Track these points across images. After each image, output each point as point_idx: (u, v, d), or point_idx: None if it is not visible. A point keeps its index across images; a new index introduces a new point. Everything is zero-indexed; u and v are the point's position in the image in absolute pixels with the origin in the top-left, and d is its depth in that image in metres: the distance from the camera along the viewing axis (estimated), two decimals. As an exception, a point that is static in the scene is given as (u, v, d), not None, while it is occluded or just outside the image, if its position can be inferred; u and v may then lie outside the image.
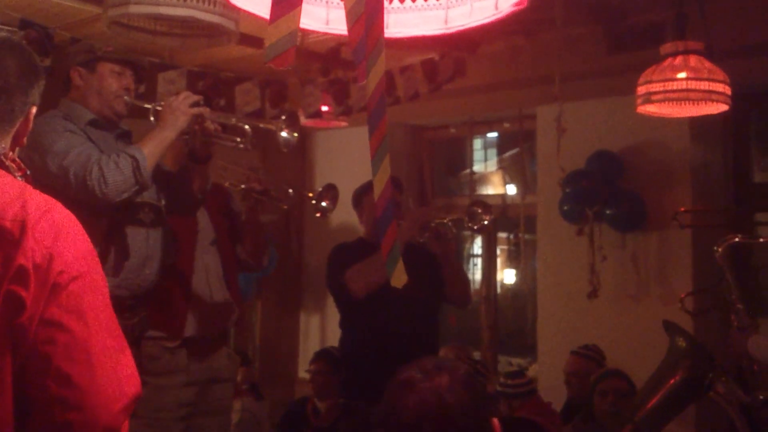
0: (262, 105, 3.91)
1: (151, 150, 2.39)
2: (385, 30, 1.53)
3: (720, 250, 2.89)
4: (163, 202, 2.63)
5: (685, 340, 2.87)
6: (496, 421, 1.39)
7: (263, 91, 3.90)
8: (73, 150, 2.34)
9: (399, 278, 1.59)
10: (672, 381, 2.87)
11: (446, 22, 1.59)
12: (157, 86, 3.66)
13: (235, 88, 3.80)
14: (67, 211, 1.22)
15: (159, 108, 2.54)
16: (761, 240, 3.10)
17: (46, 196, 1.22)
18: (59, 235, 1.16)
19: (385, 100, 1.47)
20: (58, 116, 2.47)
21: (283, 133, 2.60)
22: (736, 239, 2.91)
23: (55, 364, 1.12)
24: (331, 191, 3.24)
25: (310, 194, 3.26)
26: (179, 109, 2.46)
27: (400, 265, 1.60)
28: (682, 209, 3.87)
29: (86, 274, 1.18)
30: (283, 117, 2.64)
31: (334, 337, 4.35)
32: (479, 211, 3.22)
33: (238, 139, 2.61)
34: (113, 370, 1.17)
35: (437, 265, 3.27)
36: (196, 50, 3.90)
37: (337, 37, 4.07)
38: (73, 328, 1.14)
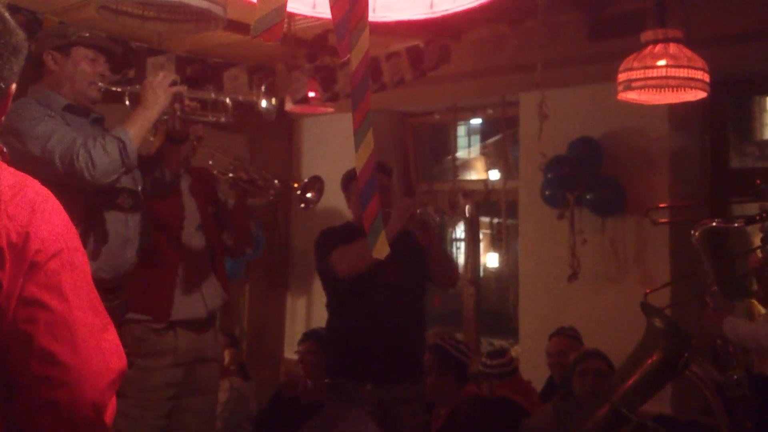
0: (250, 90, 3.95)
1: (135, 131, 2.39)
2: (372, 14, 1.58)
3: (696, 233, 2.96)
4: (140, 187, 2.64)
5: (662, 321, 2.94)
6: None
7: (251, 76, 3.94)
8: (56, 133, 2.33)
9: (381, 250, 1.63)
10: (649, 361, 2.94)
11: (431, 6, 1.64)
12: (146, 71, 3.68)
13: (223, 73, 3.83)
14: (44, 188, 1.19)
15: (136, 91, 2.52)
16: (736, 225, 3.17)
17: (21, 174, 1.19)
18: (35, 212, 1.13)
19: (368, 77, 1.52)
20: (31, 102, 2.44)
21: (263, 103, 2.59)
22: (713, 223, 2.98)
23: (38, 342, 1.10)
24: (316, 183, 3.25)
25: (296, 185, 3.28)
26: (159, 88, 2.45)
27: (382, 237, 1.64)
28: (662, 205, 3.88)
29: (64, 252, 1.15)
30: (263, 87, 2.64)
31: (320, 319, 4.42)
32: (460, 199, 3.26)
33: (220, 115, 2.59)
34: (97, 346, 1.15)
35: (422, 251, 3.33)
36: (184, 36, 3.92)
37: (324, 24, 4.12)
38: (53, 306, 1.12)
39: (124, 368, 1.20)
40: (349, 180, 3.44)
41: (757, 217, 2.92)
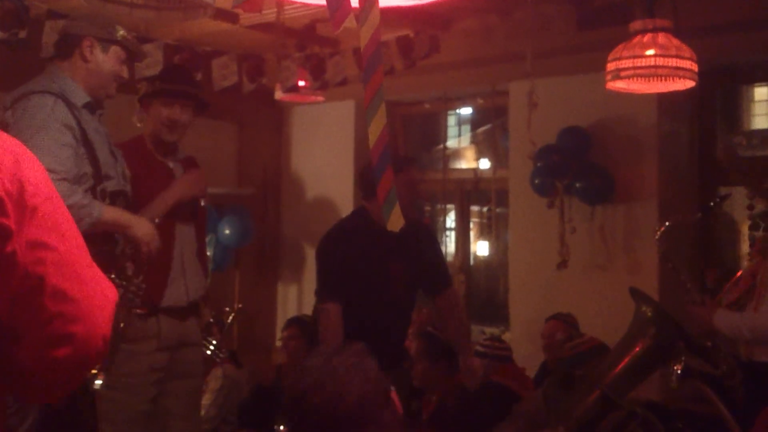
0: (240, 79, 3.93)
1: (108, 221, 2.50)
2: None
3: (658, 235, 2.97)
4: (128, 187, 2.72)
5: (651, 307, 2.98)
6: (394, 393, 1.48)
7: (240, 65, 3.92)
8: (49, 155, 2.33)
9: (396, 223, 1.65)
10: (638, 347, 2.96)
11: (420, -6, 1.65)
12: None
13: (212, 62, 3.81)
14: (18, 141, 1.23)
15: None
16: (699, 215, 3.15)
17: None
18: (19, 161, 1.17)
19: (380, 52, 1.53)
20: (53, 93, 2.43)
21: None
22: (667, 223, 2.99)
23: (49, 282, 1.14)
24: None
25: None
26: (145, 239, 2.58)
27: (397, 210, 1.66)
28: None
29: (54, 196, 1.21)
30: None
31: (310, 306, 4.44)
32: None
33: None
34: (94, 279, 1.22)
35: (425, 254, 3.36)
36: (172, 24, 3.91)
37: (313, 13, 4.12)
38: (56, 245, 1.17)
39: (116, 298, 1.26)
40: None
41: (711, 204, 2.96)
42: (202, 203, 3.11)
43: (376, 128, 1.60)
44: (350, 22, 1.53)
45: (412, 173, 3.30)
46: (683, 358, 2.82)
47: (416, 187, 3.35)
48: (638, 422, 2.84)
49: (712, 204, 2.99)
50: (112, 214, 2.52)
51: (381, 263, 3.19)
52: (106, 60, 2.56)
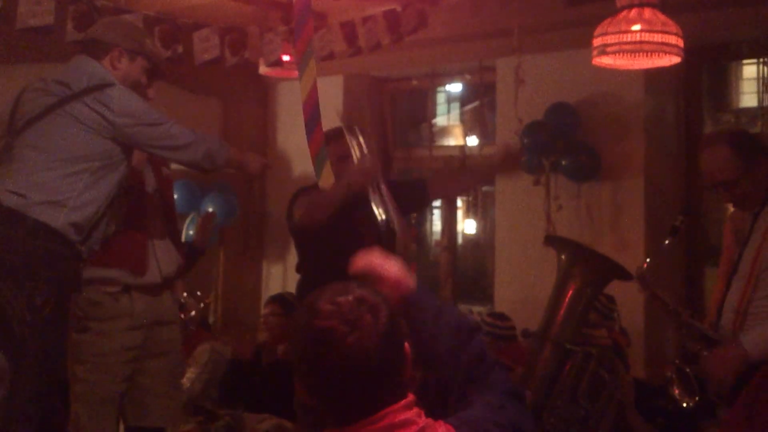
0: (222, 53, 3.86)
1: (231, 160, 2.80)
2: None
3: (641, 271, 2.84)
4: None
5: (570, 250, 3.06)
6: (407, 344, 1.43)
7: (222, 38, 3.84)
8: (168, 121, 2.65)
9: (326, 179, 1.65)
10: (571, 290, 3.01)
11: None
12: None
13: (193, 34, 3.74)
14: None
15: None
16: (667, 242, 3.03)
17: None
18: None
19: (310, 5, 1.51)
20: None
21: None
22: (648, 260, 2.90)
23: None
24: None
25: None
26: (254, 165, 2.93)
27: (327, 167, 1.66)
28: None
29: None
30: None
31: (295, 285, 4.41)
32: None
33: None
34: None
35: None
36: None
37: (298, -14, 4.04)
38: None
39: None
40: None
41: (676, 224, 2.89)
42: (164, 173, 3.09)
43: (306, 84, 1.59)
44: None
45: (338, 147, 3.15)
46: (676, 387, 2.73)
47: (343, 161, 3.09)
48: (597, 361, 2.87)
49: (677, 224, 2.91)
50: (234, 156, 2.81)
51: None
52: (131, 69, 2.67)
